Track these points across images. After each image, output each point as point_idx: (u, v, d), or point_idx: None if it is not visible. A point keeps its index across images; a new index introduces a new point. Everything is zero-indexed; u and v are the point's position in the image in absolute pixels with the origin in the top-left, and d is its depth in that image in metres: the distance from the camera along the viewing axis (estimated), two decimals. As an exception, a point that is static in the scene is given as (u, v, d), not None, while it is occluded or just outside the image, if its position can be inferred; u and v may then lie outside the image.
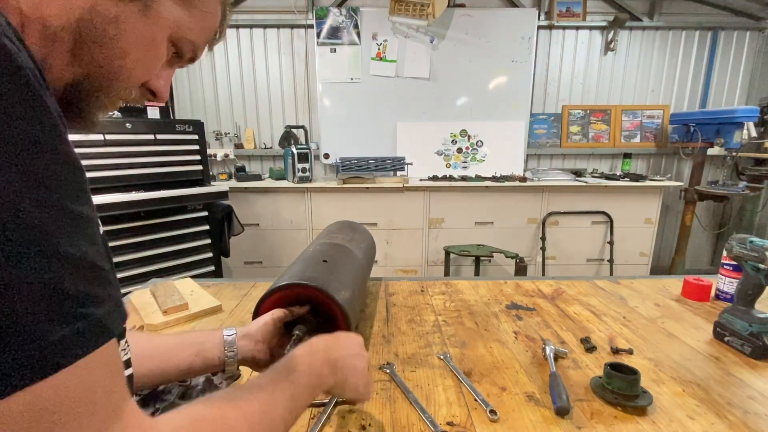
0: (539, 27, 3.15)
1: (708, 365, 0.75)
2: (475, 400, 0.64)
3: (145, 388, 0.57)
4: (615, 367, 0.65)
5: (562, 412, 0.60)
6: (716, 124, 2.84)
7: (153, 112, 2.27)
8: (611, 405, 0.63)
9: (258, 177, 3.12)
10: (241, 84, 3.25)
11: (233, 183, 2.94)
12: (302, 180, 2.90)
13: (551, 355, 0.75)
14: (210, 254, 2.41)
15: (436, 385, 0.69)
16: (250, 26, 3.15)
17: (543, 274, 3.00)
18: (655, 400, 0.63)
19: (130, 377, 0.40)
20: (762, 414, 0.61)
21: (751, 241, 0.79)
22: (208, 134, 3.00)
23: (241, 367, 0.64)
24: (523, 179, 2.96)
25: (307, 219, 2.95)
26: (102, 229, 0.36)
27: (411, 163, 3.04)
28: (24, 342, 0.23)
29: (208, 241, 2.39)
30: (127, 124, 2.05)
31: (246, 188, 2.88)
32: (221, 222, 2.43)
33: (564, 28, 3.23)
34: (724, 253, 0.90)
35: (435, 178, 3.05)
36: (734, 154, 2.99)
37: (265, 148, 3.33)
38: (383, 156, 3.11)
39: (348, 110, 3.20)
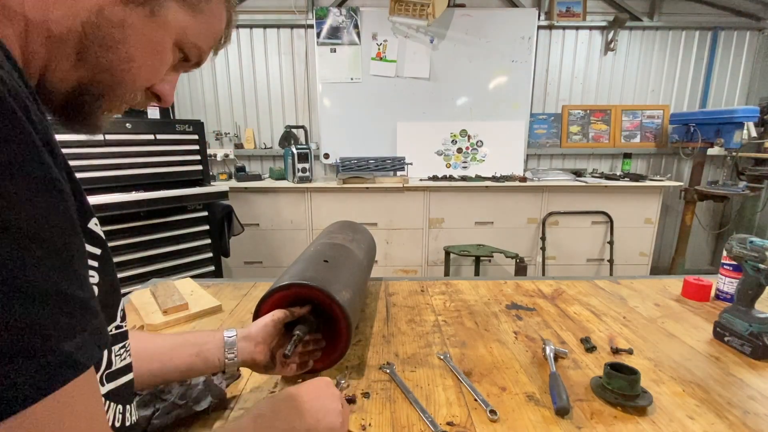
0: (539, 27, 3.15)
1: (708, 365, 0.75)
2: (475, 400, 0.64)
3: (145, 388, 0.57)
4: (615, 367, 0.65)
5: (562, 412, 0.60)
6: (716, 124, 2.83)
7: (153, 112, 2.27)
8: (611, 405, 0.63)
9: (258, 177, 3.12)
10: (241, 84, 3.25)
11: (233, 183, 2.94)
12: (302, 180, 2.91)
13: (551, 355, 0.75)
14: (210, 254, 2.41)
15: (436, 385, 0.69)
16: (250, 26, 3.15)
17: (543, 274, 3.00)
18: (655, 400, 0.63)
19: (131, 382, 0.40)
20: (762, 414, 0.61)
21: (751, 241, 0.79)
22: (208, 134, 3.00)
23: (240, 368, 0.64)
24: (523, 179, 2.96)
25: (307, 219, 2.95)
26: (101, 229, 0.36)
27: (411, 163, 3.04)
28: None
29: (208, 241, 2.39)
30: (127, 124, 2.05)
31: (246, 188, 2.88)
32: (221, 222, 2.43)
33: (564, 28, 3.23)
34: (724, 253, 0.90)
35: (435, 178, 3.05)
36: (734, 154, 3.00)
37: (265, 148, 3.33)
38: (383, 156, 3.11)
39: (348, 110, 3.20)
